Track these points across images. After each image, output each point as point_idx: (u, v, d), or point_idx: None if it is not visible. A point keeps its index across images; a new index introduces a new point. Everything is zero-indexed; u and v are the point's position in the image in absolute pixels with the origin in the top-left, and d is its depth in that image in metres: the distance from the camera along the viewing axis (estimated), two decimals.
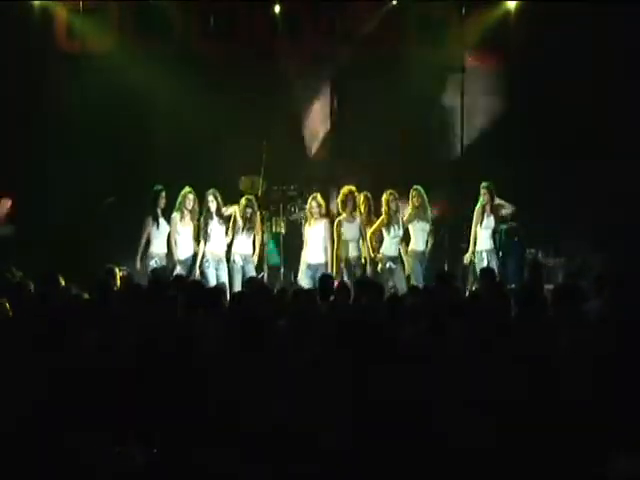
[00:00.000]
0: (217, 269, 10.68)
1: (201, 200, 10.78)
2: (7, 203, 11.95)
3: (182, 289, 7.74)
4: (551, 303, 6.63)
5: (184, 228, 10.76)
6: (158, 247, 10.75)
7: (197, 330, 6.23)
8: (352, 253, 10.69)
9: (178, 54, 12.73)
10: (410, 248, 10.94)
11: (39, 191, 12.24)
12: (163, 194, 10.77)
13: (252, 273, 10.60)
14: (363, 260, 10.76)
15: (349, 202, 10.73)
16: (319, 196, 10.91)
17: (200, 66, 12.81)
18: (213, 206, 10.75)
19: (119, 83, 12.28)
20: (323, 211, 10.81)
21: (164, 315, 6.90)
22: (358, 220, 10.75)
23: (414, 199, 10.92)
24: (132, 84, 12.20)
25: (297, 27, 13.24)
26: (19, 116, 12.41)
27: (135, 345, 5.71)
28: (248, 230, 10.77)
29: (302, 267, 10.78)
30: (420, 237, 10.94)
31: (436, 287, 8.12)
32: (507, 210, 11.08)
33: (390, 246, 10.83)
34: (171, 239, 10.72)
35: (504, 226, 11.45)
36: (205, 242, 10.69)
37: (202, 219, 10.74)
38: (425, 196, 10.96)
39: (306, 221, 10.96)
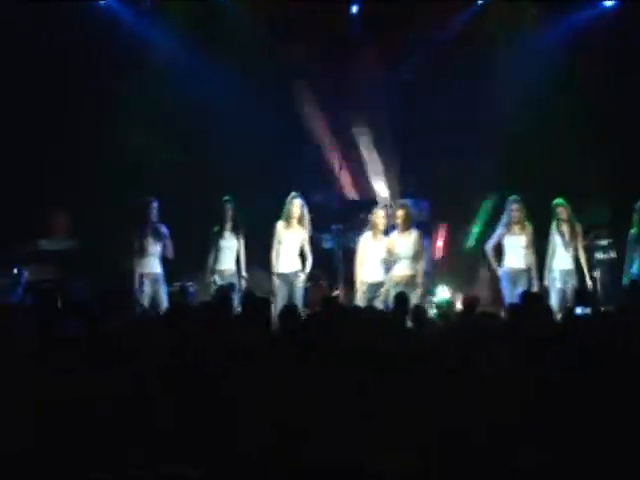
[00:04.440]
0: None
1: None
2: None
3: None
4: None
5: (289, 236, 9.93)
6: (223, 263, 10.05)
7: None
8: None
9: (246, 60, 11.85)
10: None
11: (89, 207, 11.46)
12: (229, 205, 10.04)
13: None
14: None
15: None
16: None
17: (269, 71, 12.03)
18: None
19: (181, 92, 11.66)
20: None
21: None
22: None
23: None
24: (195, 94, 11.58)
25: (376, 28, 12.26)
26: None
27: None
28: None
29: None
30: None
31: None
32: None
33: None
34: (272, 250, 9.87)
35: (603, 242, 10.62)
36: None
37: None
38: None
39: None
